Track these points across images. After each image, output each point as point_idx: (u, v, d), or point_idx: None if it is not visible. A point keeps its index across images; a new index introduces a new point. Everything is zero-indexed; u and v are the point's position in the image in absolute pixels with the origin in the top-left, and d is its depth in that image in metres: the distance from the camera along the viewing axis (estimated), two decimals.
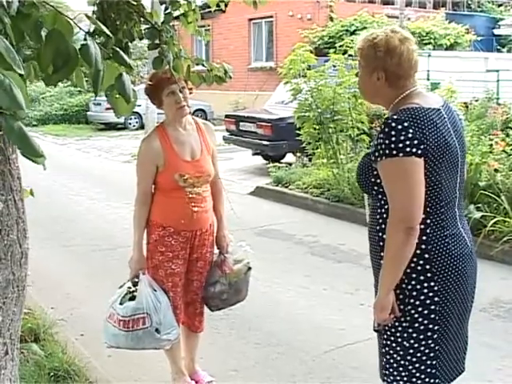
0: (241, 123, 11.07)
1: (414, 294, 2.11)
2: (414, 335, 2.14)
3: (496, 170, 6.29)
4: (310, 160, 9.15)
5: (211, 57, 20.35)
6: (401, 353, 2.17)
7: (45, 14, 1.60)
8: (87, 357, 3.74)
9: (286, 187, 8.64)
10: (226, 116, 12.00)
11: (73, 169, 11.21)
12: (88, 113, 20.02)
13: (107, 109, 17.45)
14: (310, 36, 17.55)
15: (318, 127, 8.23)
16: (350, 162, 8.04)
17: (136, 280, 3.11)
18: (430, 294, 2.11)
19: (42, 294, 4.77)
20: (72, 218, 7.62)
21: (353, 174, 6.95)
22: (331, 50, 8.90)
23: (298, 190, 8.39)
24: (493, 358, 3.73)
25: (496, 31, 20.39)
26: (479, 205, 6.02)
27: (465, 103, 9.98)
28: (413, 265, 2.09)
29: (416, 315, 2.13)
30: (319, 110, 8.14)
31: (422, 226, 2.07)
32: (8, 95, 1.40)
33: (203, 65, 2.67)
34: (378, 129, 2.12)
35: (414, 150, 2.00)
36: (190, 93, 3.16)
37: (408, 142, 2.00)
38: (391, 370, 2.22)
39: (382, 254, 2.13)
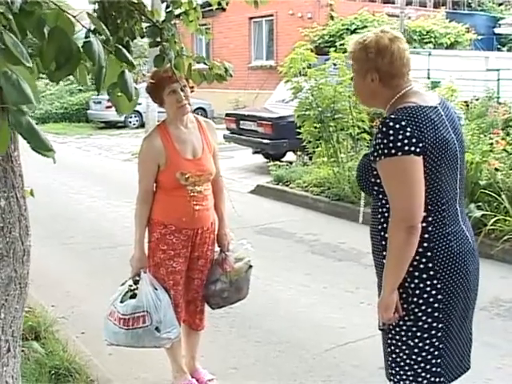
0: (241, 122, 11.06)
1: (417, 292, 2.11)
2: (419, 334, 2.14)
3: (496, 169, 6.30)
4: (310, 158, 9.14)
5: (211, 55, 20.31)
6: (406, 352, 2.18)
7: (47, 11, 1.60)
8: (88, 355, 3.74)
9: (287, 186, 8.64)
10: (227, 114, 11.99)
11: (73, 167, 11.19)
12: (88, 111, 20.02)
13: (107, 107, 17.49)
14: (310, 35, 17.56)
15: (318, 126, 8.23)
16: (350, 161, 8.03)
17: (137, 278, 3.11)
18: (433, 292, 2.11)
19: (42, 292, 4.75)
20: (72, 217, 7.62)
21: (353, 172, 6.94)
22: (332, 49, 8.88)
23: (299, 189, 8.39)
24: (492, 357, 3.72)
25: (496, 30, 20.40)
26: (480, 204, 6.03)
27: (465, 102, 9.98)
28: (415, 263, 2.09)
29: (420, 314, 2.13)
30: (320, 109, 8.14)
31: (424, 224, 2.06)
32: (16, 89, 1.39)
33: (204, 63, 2.67)
34: (377, 129, 2.12)
35: (413, 148, 2.00)
36: (192, 91, 3.17)
37: (406, 141, 2.00)
38: (397, 369, 2.22)
39: (384, 253, 2.13)
